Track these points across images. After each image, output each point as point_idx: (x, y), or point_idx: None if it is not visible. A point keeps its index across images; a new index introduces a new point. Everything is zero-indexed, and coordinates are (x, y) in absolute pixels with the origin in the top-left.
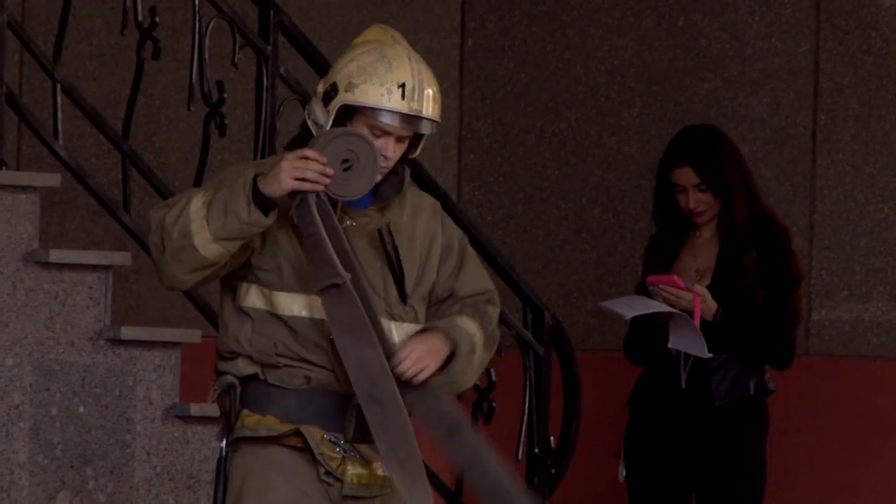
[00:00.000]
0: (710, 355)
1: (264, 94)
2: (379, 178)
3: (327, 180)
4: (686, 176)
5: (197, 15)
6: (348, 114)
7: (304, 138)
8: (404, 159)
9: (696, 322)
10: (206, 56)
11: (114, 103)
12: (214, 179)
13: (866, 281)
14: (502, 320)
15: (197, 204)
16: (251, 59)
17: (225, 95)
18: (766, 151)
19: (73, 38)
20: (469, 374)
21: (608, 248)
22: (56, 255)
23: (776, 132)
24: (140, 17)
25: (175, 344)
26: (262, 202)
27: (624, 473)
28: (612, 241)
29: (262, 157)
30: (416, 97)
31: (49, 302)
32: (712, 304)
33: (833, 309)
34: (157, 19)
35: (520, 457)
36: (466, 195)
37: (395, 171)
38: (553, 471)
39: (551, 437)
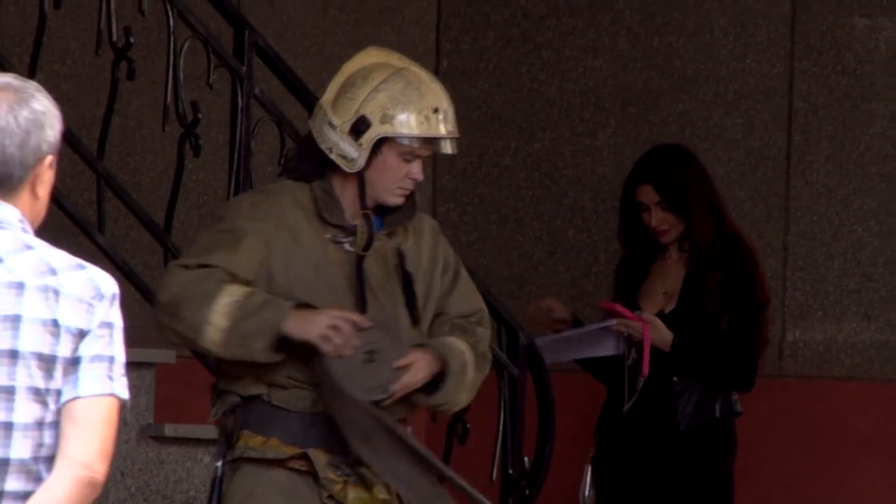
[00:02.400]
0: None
1: (239, 114)
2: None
3: (348, 352)
4: (648, 194)
5: (172, 35)
6: (378, 144)
7: (303, 169)
8: None
9: (646, 348)
10: (181, 76)
11: (88, 124)
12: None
13: (840, 301)
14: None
15: (220, 321)
16: (226, 80)
17: (200, 116)
18: (740, 172)
19: (47, 59)
20: (462, 392)
21: (582, 269)
22: None
23: (750, 153)
24: (114, 38)
25: (150, 364)
26: (281, 342)
27: (586, 494)
28: (586, 262)
29: (237, 177)
30: (449, 119)
31: None
32: (667, 335)
33: (807, 330)
34: (132, 39)
35: (494, 477)
36: (441, 216)
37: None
38: (527, 491)
39: (525, 458)
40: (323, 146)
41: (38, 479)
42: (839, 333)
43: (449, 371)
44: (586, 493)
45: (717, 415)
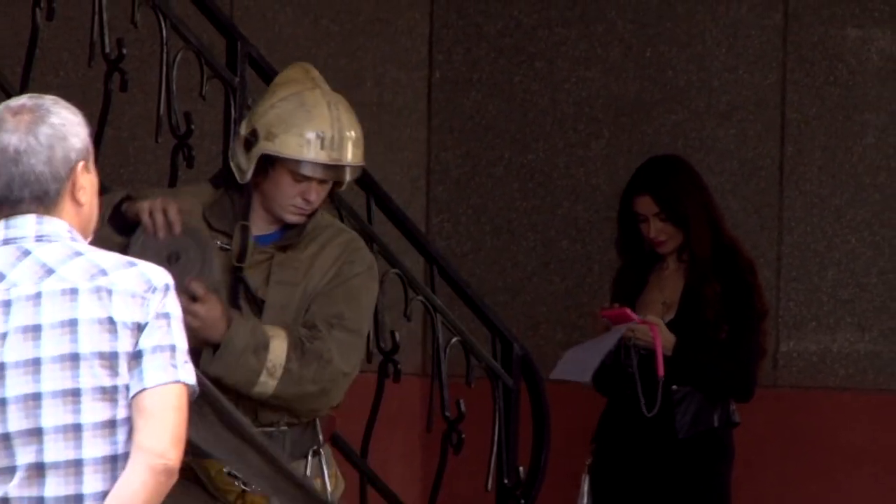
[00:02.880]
0: (587, 379)
1: (232, 125)
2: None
3: (160, 236)
4: (646, 205)
5: (164, 47)
6: (270, 161)
7: (228, 176)
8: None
9: (658, 350)
10: (174, 88)
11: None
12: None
13: (834, 312)
14: (472, 352)
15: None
16: (219, 91)
17: (193, 127)
18: (733, 183)
19: (39, 70)
20: (240, 373)
21: (576, 280)
22: None
23: (744, 164)
24: (107, 49)
25: None
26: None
27: (585, 501)
28: (580, 273)
29: None
30: (335, 146)
31: None
32: (670, 337)
33: (801, 340)
34: (125, 51)
35: (489, 487)
36: (435, 227)
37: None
38: (522, 501)
39: (520, 468)
40: (230, 154)
41: (115, 478)
42: (833, 344)
43: (227, 340)
44: (584, 502)
45: (716, 424)
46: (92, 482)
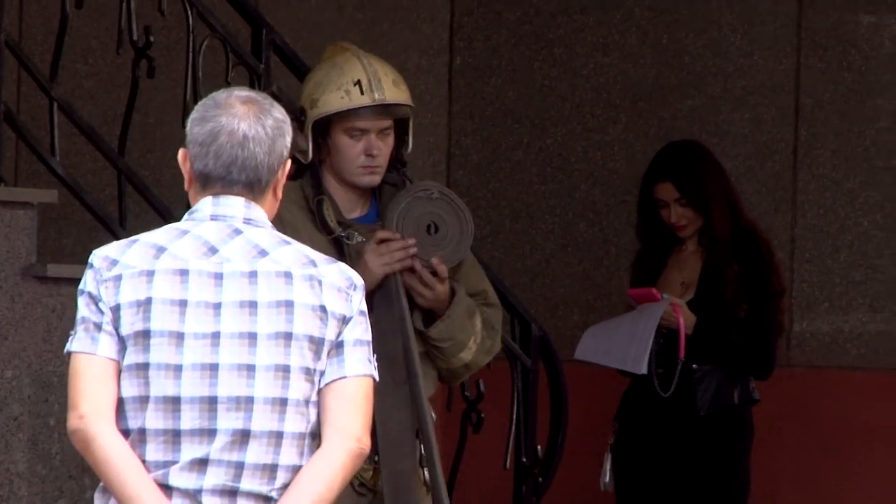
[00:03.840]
0: (644, 371)
1: None
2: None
3: (413, 251)
4: (667, 191)
5: (191, 34)
6: (326, 129)
7: (300, 168)
8: (398, 166)
9: (681, 331)
10: (200, 74)
11: (109, 121)
12: None
13: (846, 293)
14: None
15: None
16: (244, 78)
17: None
18: (748, 166)
19: (69, 58)
20: (464, 334)
21: (594, 262)
22: (54, 270)
23: (758, 147)
24: (135, 37)
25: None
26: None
27: (607, 479)
28: (597, 255)
29: None
30: (374, 87)
31: (47, 315)
32: (690, 316)
33: (814, 321)
34: (152, 38)
35: (507, 465)
36: None
37: (394, 184)
38: (540, 479)
39: (538, 447)
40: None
41: (303, 454)
42: (845, 324)
43: (456, 302)
44: (606, 479)
45: (736, 401)
46: (288, 454)
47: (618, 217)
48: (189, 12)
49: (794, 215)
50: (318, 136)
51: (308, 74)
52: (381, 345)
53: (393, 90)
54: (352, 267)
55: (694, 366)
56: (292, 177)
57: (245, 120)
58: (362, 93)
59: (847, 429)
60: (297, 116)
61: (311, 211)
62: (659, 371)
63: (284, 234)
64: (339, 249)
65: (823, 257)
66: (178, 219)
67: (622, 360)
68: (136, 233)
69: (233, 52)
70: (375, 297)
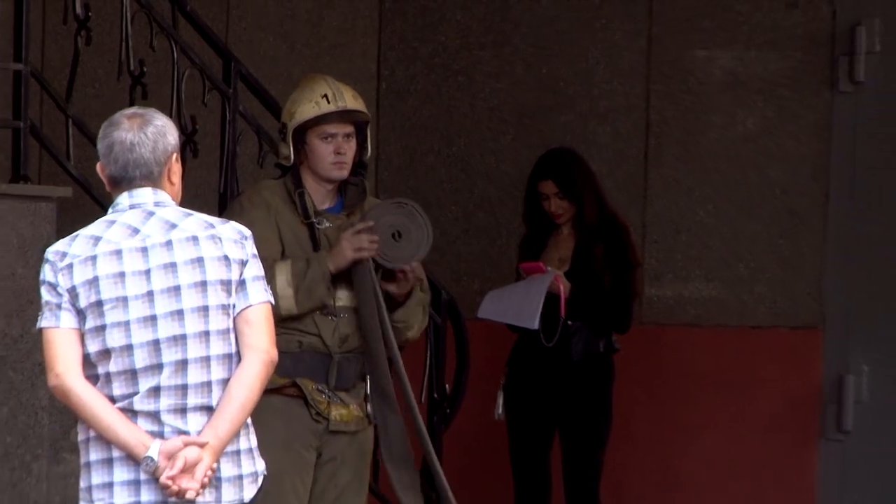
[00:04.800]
0: (537, 327)
1: (227, 126)
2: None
3: (375, 246)
4: (548, 187)
5: (175, 65)
6: (302, 137)
7: (283, 171)
8: (360, 170)
9: (562, 296)
10: (183, 97)
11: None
12: (282, 264)
13: (686, 267)
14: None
15: (287, 293)
16: (217, 100)
17: (197, 127)
18: (609, 168)
19: (80, 83)
20: (418, 316)
21: (489, 243)
22: None
23: (617, 154)
24: (132, 67)
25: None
26: (331, 280)
27: (500, 411)
28: (491, 238)
29: (226, 174)
30: (337, 98)
31: None
32: (567, 284)
33: (661, 288)
34: (145, 69)
35: (423, 400)
36: None
37: (355, 184)
38: (448, 411)
39: (447, 386)
40: (277, 153)
41: (230, 370)
42: (685, 291)
43: (413, 296)
44: (499, 411)
45: (601, 350)
46: (217, 372)
47: (507, 208)
48: (174, 48)
49: (645, 206)
50: (297, 143)
51: (286, 101)
52: (364, 308)
53: (352, 101)
54: (328, 249)
55: (569, 322)
56: (277, 176)
57: (130, 131)
58: (329, 102)
59: (686, 372)
60: (280, 130)
61: (291, 202)
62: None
63: (269, 218)
64: (312, 232)
65: (668, 239)
66: None
67: (517, 318)
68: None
69: (208, 80)
70: (355, 279)
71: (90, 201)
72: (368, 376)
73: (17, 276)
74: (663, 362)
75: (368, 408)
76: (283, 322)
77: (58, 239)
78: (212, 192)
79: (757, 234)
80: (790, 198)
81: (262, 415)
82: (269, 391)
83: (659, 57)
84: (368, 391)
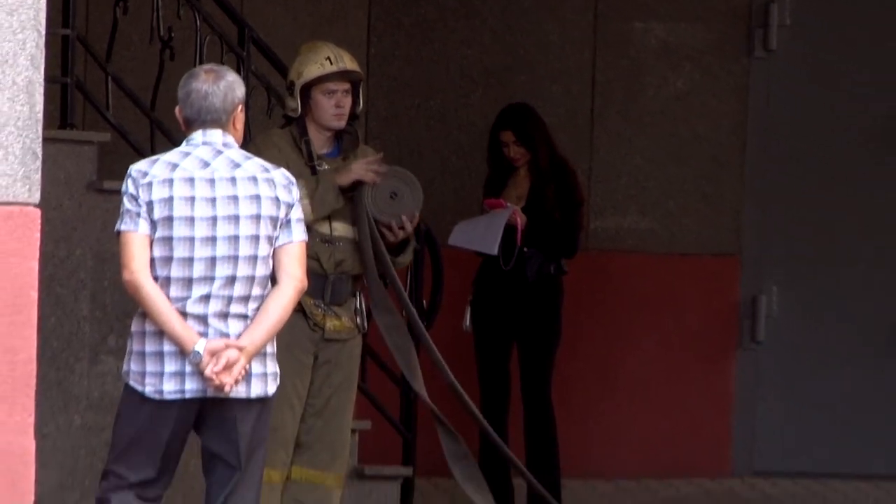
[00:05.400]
0: (498, 253)
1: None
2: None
3: (377, 177)
4: (508, 136)
5: (198, 32)
6: (308, 93)
7: (287, 122)
8: (353, 121)
9: (519, 226)
10: (204, 58)
11: (145, 88)
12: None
13: (624, 204)
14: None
15: (306, 201)
16: (232, 61)
17: None
18: (561, 122)
19: (119, 47)
20: (403, 261)
21: (461, 183)
22: (108, 185)
23: (568, 110)
24: (162, 33)
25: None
26: (340, 191)
27: (467, 323)
28: (463, 178)
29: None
30: (337, 61)
31: (103, 214)
32: (524, 217)
33: (603, 220)
34: (173, 34)
35: (404, 315)
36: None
37: (350, 132)
38: (425, 322)
39: (424, 301)
40: (284, 106)
41: (265, 288)
42: (623, 223)
43: (409, 243)
44: (467, 323)
45: (552, 272)
46: (257, 289)
47: (476, 153)
48: (197, 18)
49: (591, 154)
50: (304, 98)
51: (293, 63)
52: (360, 229)
53: (350, 63)
54: (332, 176)
55: (525, 249)
56: (282, 126)
57: (206, 83)
58: (332, 64)
59: (623, 292)
60: (288, 87)
61: (296, 147)
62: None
63: (281, 159)
64: (314, 172)
65: (610, 181)
66: None
67: (481, 245)
68: None
69: (225, 44)
70: (354, 205)
71: (125, 145)
72: (369, 287)
73: (63, 207)
74: (605, 283)
75: (358, 319)
76: None
77: (98, 175)
78: None
79: (685, 177)
80: (713, 147)
81: None
82: None
83: (604, 28)
84: (358, 305)
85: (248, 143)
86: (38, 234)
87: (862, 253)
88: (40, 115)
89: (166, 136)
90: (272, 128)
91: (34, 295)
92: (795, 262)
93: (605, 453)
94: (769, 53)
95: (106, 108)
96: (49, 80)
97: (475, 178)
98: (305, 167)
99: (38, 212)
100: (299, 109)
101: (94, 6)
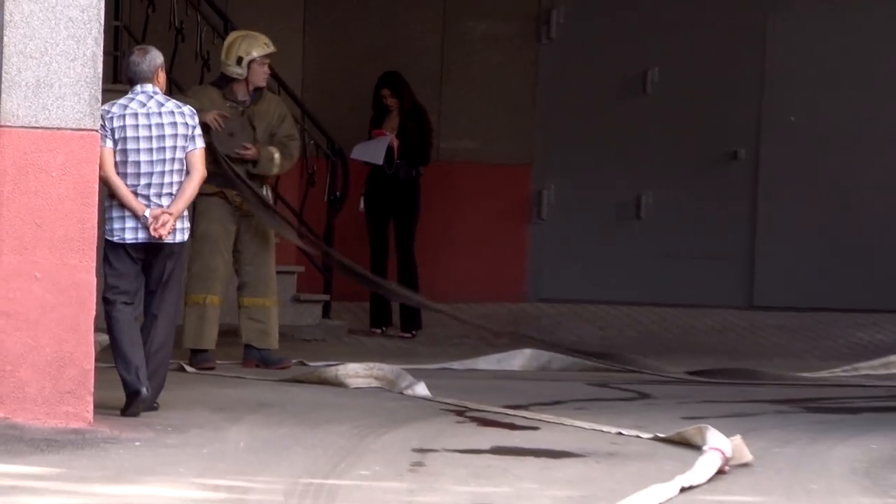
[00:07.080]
0: (382, 163)
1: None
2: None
3: (216, 125)
4: (386, 91)
5: (199, 24)
6: (250, 64)
7: (222, 80)
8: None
9: (396, 148)
10: (203, 42)
11: (167, 57)
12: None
13: (459, 131)
14: (317, 147)
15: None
16: (219, 46)
17: (209, 59)
18: (422, 82)
19: (149, 32)
20: (271, 168)
21: (359, 120)
22: None
23: (427, 75)
24: (176, 24)
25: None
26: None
27: (361, 207)
28: (364, 119)
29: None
30: (270, 45)
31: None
32: (396, 141)
33: (450, 142)
34: (183, 25)
35: (325, 199)
36: (309, 103)
37: (260, 88)
38: (338, 206)
39: (338, 192)
40: (228, 73)
41: (182, 177)
42: (459, 144)
43: (261, 158)
44: (361, 207)
45: (414, 175)
46: (177, 178)
47: (368, 102)
48: (198, 15)
49: (441, 102)
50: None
51: (237, 41)
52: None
53: (272, 45)
54: (244, 121)
55: (398, 161)
56: (212, 82)
57: (138, 56)
58: (268, 47)
59: (455, 189)
60: (238, 60)
61: (223, 98)
62: (381, 163)
63: (210, 106)
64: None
65: (453, 119)
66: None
67: (372, 158)
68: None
69: (214, 32)
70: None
71: None
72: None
73: None
74: (445, 184)
75: (267, 193)
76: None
77: None
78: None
79: (498, 116)
80: (516, 97)
81: (207, 206)
82: (210, 195)
83: (450, 22)
84: (264, 193)
85: (184, 91)
86: (98, 148)
87: (607, 165)
88: (100, 75)
89: (177, 87)
90: (207, 85)
91: (96, 186)
92: (566, 169)
93: (445, 287)
94: (551, 41)
95: None
96: (106, 53)
97: (367, 117)
98: (227, 108)
99: (97, 135)
100: (245, 74)
101: (134, 6)
